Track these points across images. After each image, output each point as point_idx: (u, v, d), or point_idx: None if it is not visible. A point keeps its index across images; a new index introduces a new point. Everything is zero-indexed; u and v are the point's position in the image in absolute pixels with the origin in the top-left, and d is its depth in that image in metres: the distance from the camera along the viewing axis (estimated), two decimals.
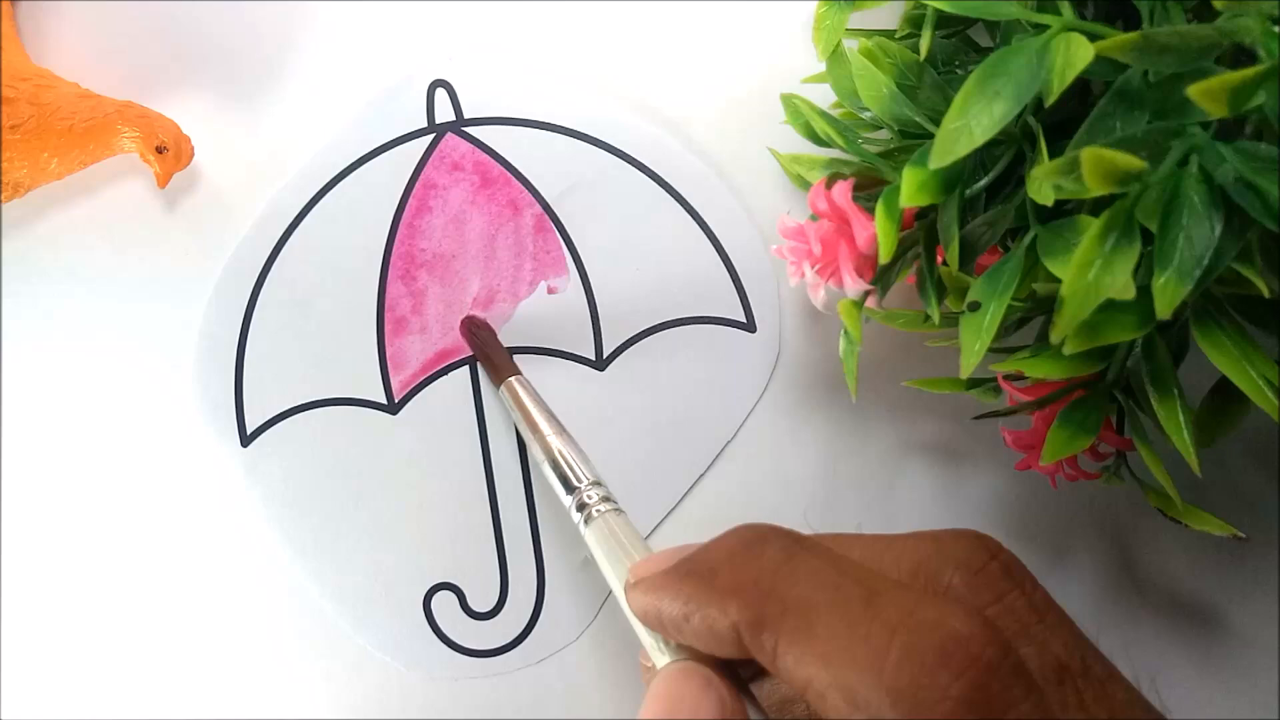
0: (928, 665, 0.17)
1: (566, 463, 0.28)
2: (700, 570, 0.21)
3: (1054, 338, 0.21)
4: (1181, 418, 0.24)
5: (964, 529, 0.22)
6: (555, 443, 0.29)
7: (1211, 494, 0.30)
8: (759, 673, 0.23)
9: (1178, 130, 0.20)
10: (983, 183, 0.25)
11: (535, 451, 0.29)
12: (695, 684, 0.21)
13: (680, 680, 0.21)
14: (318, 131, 0.35)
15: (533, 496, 0.33)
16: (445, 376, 0.33)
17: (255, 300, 0.34)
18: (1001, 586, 0.20)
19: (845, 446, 0.34)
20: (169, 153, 0.32)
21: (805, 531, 0.21)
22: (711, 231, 0.34)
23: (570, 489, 0.28)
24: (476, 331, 0.33)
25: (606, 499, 0.27)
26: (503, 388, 0.31)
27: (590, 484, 0.28)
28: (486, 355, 0.33)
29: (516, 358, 0.33)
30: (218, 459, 0.33)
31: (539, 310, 0.34)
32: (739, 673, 0.21)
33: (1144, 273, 0.20)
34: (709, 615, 0.20)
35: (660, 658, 0.22)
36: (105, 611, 0.32)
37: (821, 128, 0.30)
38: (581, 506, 0.27)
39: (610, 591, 0.32)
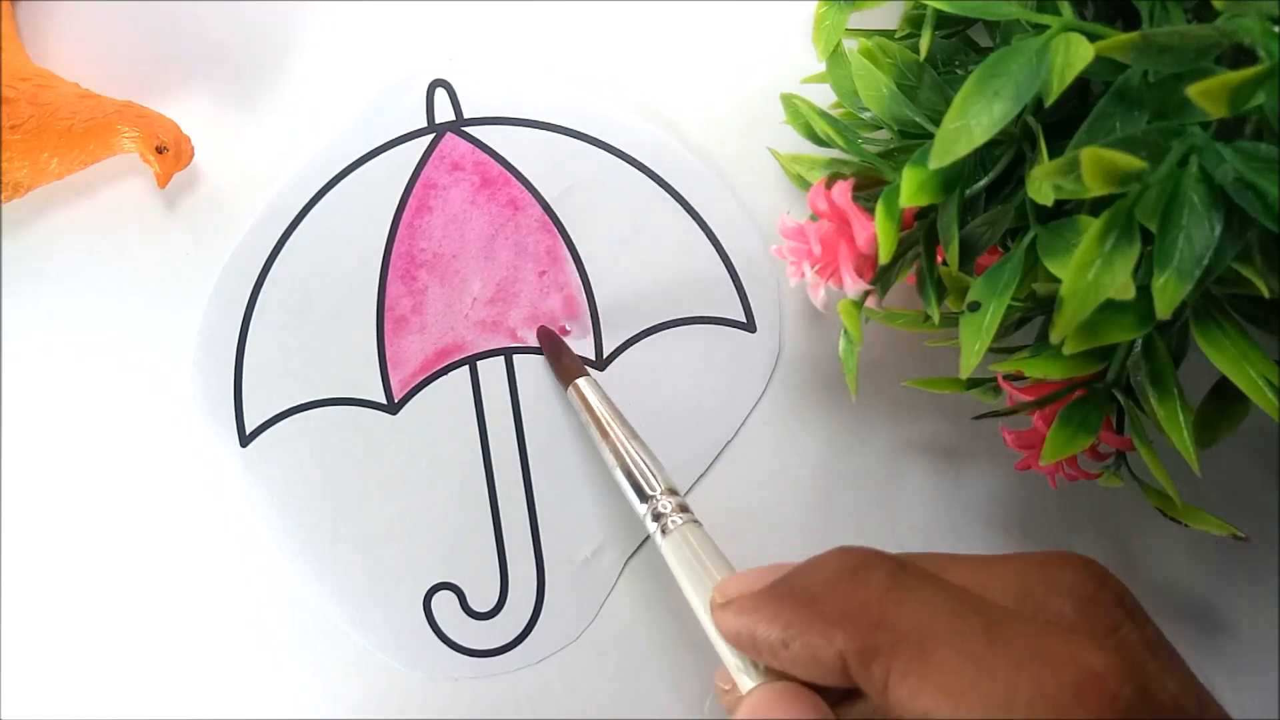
0: (1063, 704, 0.16)
1: (639, 470, 0.28)
2: (800, 595, 0.20)
3: (1054, 338, 0.21)
4: (1181, 418, 0.24)
5: (1068, 552, 0.21)
6: (628, 448, 0.28)
7: (1211, 494, 0.30)
8: (844, 696, 0.22)
9: (1178, 130, 0.20)
10: (983, 183, 0.25)
11: (605, 456, 0.29)
12: (801, 706, 0.20)
13: (784, 701, 0.20)
14: (318, 131, 0.35)
15: (533, 496, 0.33)
16: (445, 376, 0.33)
17: (255, 300, 0.34)
18: (1115, 616, 0.20)
19: (845, 446, 0.34)
20: (169, 153, 0.32)
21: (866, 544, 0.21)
22: (711, 231, 0.34)
23: (644, 497, 0.27)
24: (546, 334, 0.33)
25: (683, 508, 0.26)
26: (570, 389, 0.31)
27: (665, 492, 0.27)
28: (556, 356, 0.32)
29: (516, 357, 0.33)
30: (217, 459, 0.33)
31: (539, 310, 0.34)
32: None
33: (1144, 273, 0.20)
34: (811, 643, 0.19)
35: (745, 679, 0.22)
36: (105, 611, 0.32)
37: (821, 128, 0.30)
38: (657, 516, 0.26)
39: (610, 592, 0.33)
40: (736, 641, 0.22)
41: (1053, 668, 0.17)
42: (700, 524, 0.26)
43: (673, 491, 0.27)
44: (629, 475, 0.28)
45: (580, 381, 0.31)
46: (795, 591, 0.21)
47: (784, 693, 0.21)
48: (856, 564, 0.20)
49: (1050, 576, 0.20)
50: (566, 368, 0.32)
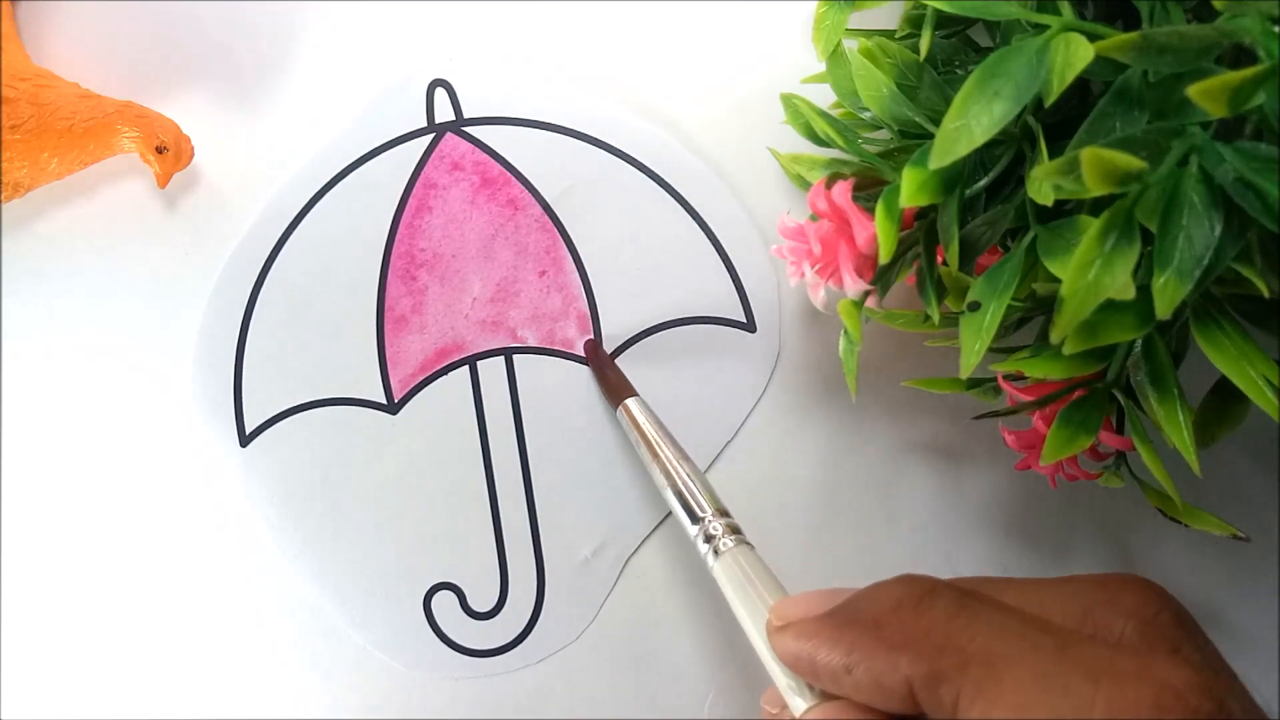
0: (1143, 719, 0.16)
1: (690, 492, 0.28)
2: (863, 621, 0.21)
3: (1054, 338, 0.21)
4: (1181, 418, 0.24)
5: (1127, 574, 0.21)
6: (679, 470, 0.28)
7: (1211, 494, 0.30)
8: None
9: (1178, 130, 0.20)
10: (983, 183, 0.25)
11: (656, 477, 0.29)
12: None
13: (847, 717, 0.20)
14: (318, 131, 0.35)
15: (533, 496, 0.33)
16: (445, 376, 0.33)
17: (255, 300, 0.34)
18: (1176, 637, 0.19)
19: (845, 446, 0.34)
20: (169, 153, 0.32)
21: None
22: (711, 231, 0.34)
23: (695, 519, 0.27)
24: (595, 353, 0.33)
25: (734, 529, 0.26)
26: (620, 410, 0.31)
27: (715, 514, 0.27)
28: (604, 375, 0.32)
29: (516, 357, 0.33)
30: (217, 459, 0.33)
31: (539, 310, 0.34)
32: None
33: (1144, 273, 0.20)
34: (876, 668, 0.19)
35: (798, 701, 0.22)
36: (105, 611, 0.32)
37: (821, 128, 0.30)
38: (708, 538, 0.26)
39: (610, 592, 0.33)
40: (795, 665, 0.22)
41: (1129, 684, 0.17)
42: (752, 546, 0.26)
43: (723, 513, 0.27)
44: (680, 497, 0.28)
45: (630, 402, 0.31)
46: (858, 617, 0.21)
47: (845, 709, 0.21)
48: (920, 591, 0.20)
49: (1110, 598, 0.20)
50: (615, 386, 0.32)
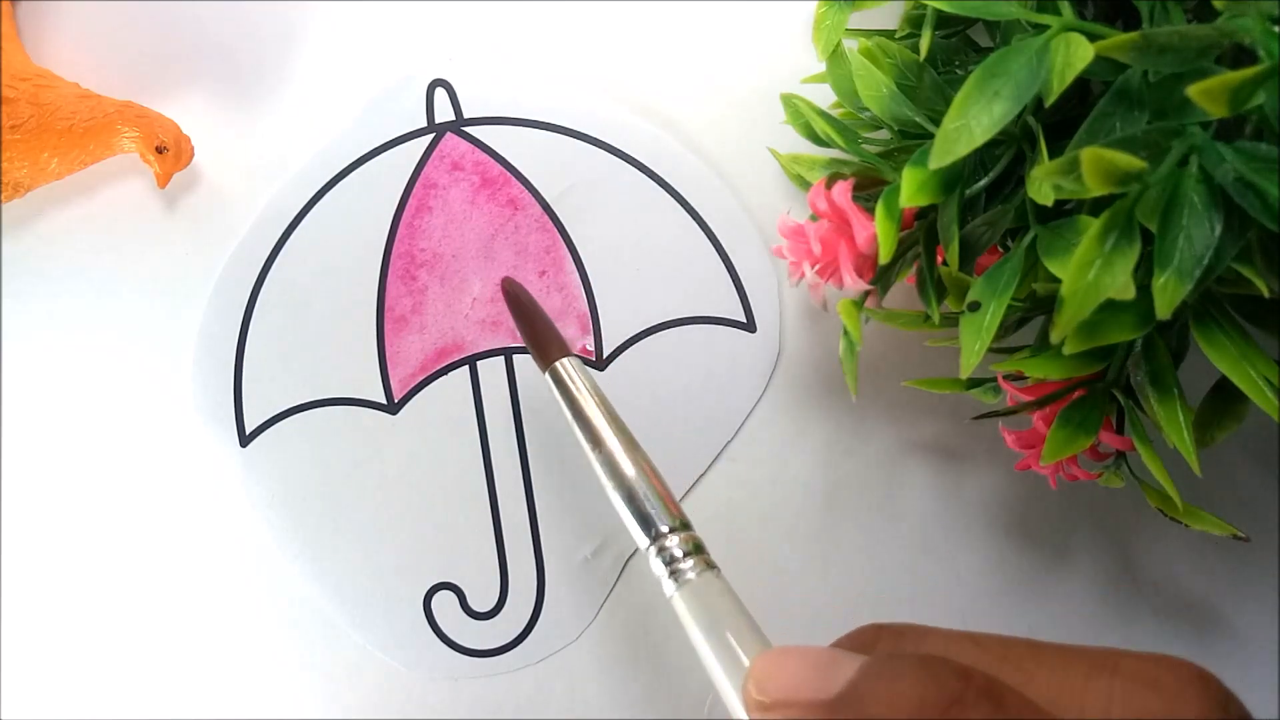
0: None
1: (644, 495, 0.23)
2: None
3: (1054, 338, 0.21)
4: (1181, 418, 0.24)
5: (1183, 662, 0.18)
6: (628, 464, 0.23)
7: (1211, 494, 0.30)
8: None
9: (1178, 130, 0.20)
10: (983, 183, 0.25)
11: (596, 468, 0.24)
12: None
13: None
14: (318, 131, 0.35)
15: (533, 496, 0.33)
16: (445, 376, 0.33)
17: (255, 300, 0.34)
18: None
19: (845, 446, 0.34)
20: (169, 153, 0.32)
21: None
22: (711, 231, 0.34)
23: (651, 531, 0.22)
24: (515, 295, 0.27)
25: (698, 548, 0.22)
26: (549, 373, 0.25)
27: (675, 528, 0.22)
28: (530, 326, 0.27)
29: (516, 357, 0.33)
30: (217, 459, 0.33)
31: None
32: None
33: (1144, 273, 0.20)
34: None
35: None
36: (105, 612, 0.32)
37: (821, 128, 0.30)
38: (666, 559, 0.22)
39: (610, 592, 0.33)
40: None
41: None
42: (718, 569, 0.22)
43: (685, 525, 0.22)
44: (631, 500, 0.23)
45: (566, 362, 0.25)
46: (861, 713, 0.17)
47: None
48: (945, 700, 0.17)
49: (1171, 705, 0.17)
50: (542, 340, 0.26)
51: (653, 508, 0.23)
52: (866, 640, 0.21)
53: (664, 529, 0.22)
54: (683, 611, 0.21)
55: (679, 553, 0.22)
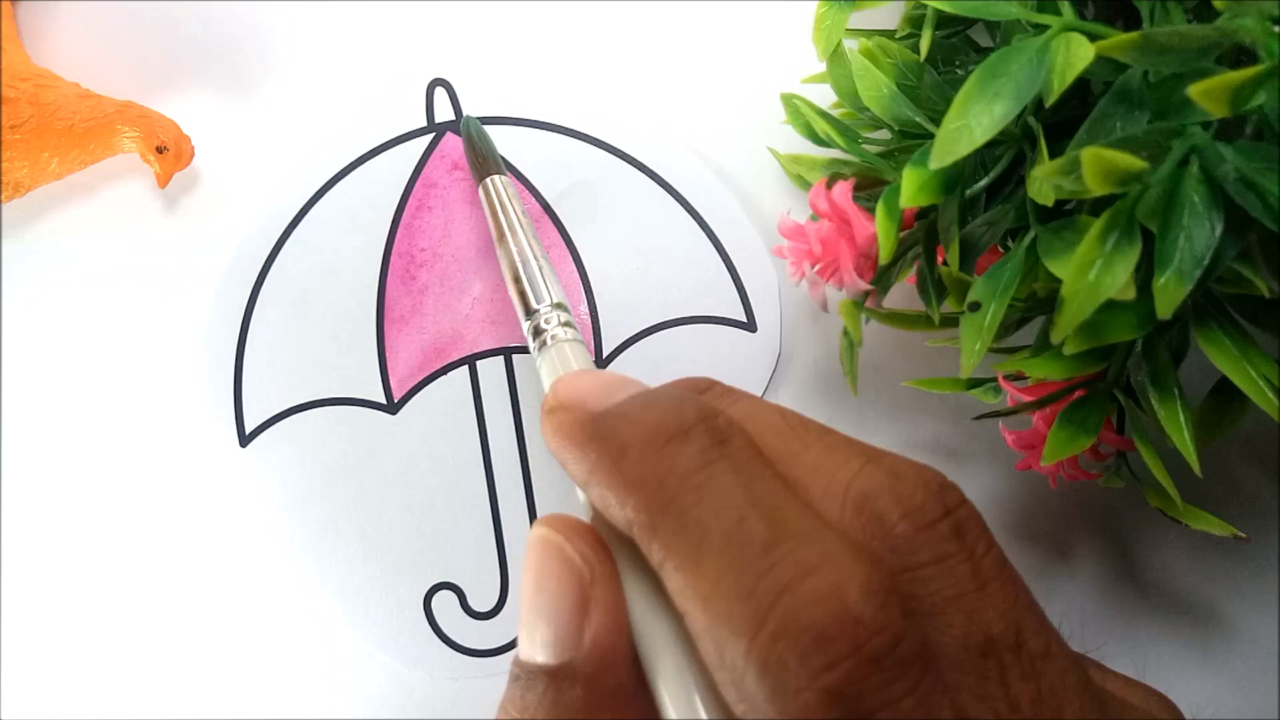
0: (801, 647, 0.15)
1: (528, 278, 0.26)
2: (611, 440, 0.19)
3: (1054, 338, 0.21)
4: (1181, 418, 0.24)
5: (927, 467, 0.19)
6: (520, 254, 0.27)
7: (1211, 494, 0.30)
8: None
9: (1178, 130, 0.20)
10: (983, 183, 0.25)
11: (501, 264, 0.27)
12: (553, 564, 0.19)
13: (540, 555, 0.20)
14: (318, 131, 0.35)
15: (533, 496, 0.33)
16: (445, 376, 0.33)
17: (255, 300, 0.34)
18: (945, 549, 0.18)
19: None
20: (169, 153, 0.32)
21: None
22: (711, 231, 0.34)
23: (529, 311, 0.25)
24: (469, 125, 0.31)
25: (567, 324, 0.25)
26: (481, 188, 0.29)
27: (552, 306, 0.25)
28: (472, 147, 0.30)
29: (516, 357, 0.33)
30: (217, 459, 0.33)
31: None
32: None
33: (1144, 273, 0.20)
34: (606, 497, 0.19)
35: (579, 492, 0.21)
36: (105, 611, 0.32)
37: (821, 128, 0.30)
38: (537, 332, 0.25)
39: None
40: (554, 456, 0.21)
41: (806, 604, 0.15)
42: (581, 342, 0.25)
43: (560, 306, 0.25)
44: (516, 284, 0.26)
45: (496, 179, 0.29)
46: (608, 434, 0.19)
47: (540, 544, 0.20)
48: (674, 429, 0.18)
49: (899, 491, 0.18)
50: (483, 161, 0.29)
51: (532, 287, 0.26)
52: (701, 386, 0.22)
53: (539, 306, 0.25)
54: (543, 371, 0.24)
55: (547, 325, 0.25)
